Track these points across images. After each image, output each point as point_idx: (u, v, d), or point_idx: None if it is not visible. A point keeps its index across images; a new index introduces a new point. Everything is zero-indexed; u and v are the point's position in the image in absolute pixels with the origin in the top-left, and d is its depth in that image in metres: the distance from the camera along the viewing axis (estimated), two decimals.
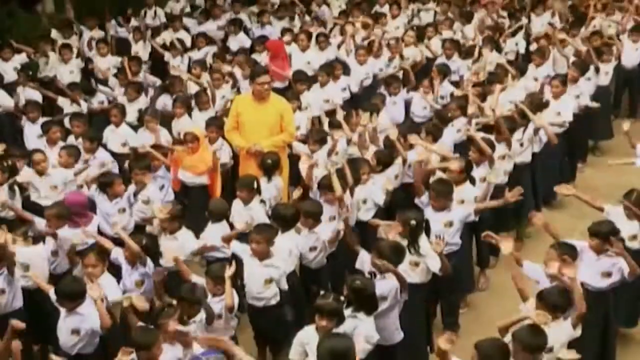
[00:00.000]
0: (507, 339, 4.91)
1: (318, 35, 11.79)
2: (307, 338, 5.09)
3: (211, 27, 13.29)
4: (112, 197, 7.24)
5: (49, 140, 8.38)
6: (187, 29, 13.02)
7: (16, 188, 7.42)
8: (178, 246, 6.42)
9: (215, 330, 5.59)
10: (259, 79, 7.98)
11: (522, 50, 12.18)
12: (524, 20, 12.92)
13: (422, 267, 6.04)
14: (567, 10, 13.86)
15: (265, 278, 6.03)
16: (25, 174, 7.58)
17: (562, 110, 8.84)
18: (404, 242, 5.96)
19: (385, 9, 14.01)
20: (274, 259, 6.08)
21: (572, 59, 10.38)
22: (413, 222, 5.96)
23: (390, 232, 6.01)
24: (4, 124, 9.86)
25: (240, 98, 8.56)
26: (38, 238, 6.42)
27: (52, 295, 5.69)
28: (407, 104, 9.93)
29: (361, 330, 5.18)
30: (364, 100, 9.74)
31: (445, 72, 10.04)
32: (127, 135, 9.01)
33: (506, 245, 5.64)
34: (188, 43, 12.18)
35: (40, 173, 7.66)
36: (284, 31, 12.28)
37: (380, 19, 12.99)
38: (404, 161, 7.66)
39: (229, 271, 5.66)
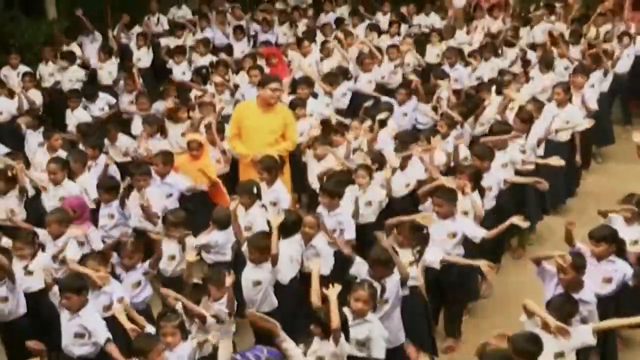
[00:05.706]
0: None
1: (322, 42, 11.81)
2: None
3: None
4: (105, 201, 7.30)
5: (50, 147, 8.35)
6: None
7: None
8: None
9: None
10: (271, 84, 7.97)
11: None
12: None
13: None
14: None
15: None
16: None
17: (571, 120, 8.78)
18: (408, 252, 5.95)
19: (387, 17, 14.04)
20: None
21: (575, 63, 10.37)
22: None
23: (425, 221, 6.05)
24: (5, 131, 9.84)
25: (243, 104, 8.55)
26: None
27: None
28: None
29: (376, 332, 5.21)
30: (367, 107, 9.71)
31: (442, 78, 9.95)
32: (126, 143, 9.03)
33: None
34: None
35: (55, 183, 7.50)
36: (296, 39, 12.27)
37: (392, 27, 12.96)
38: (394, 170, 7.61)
39: (229, 280, 5.62)
